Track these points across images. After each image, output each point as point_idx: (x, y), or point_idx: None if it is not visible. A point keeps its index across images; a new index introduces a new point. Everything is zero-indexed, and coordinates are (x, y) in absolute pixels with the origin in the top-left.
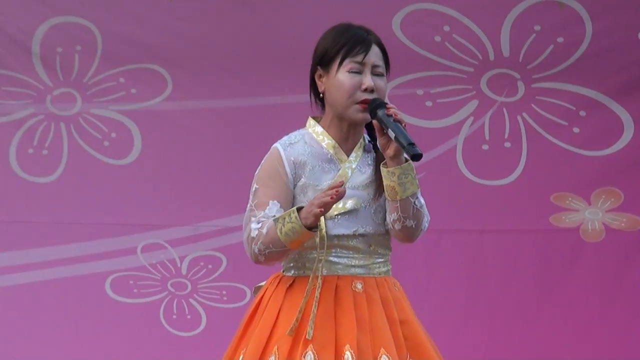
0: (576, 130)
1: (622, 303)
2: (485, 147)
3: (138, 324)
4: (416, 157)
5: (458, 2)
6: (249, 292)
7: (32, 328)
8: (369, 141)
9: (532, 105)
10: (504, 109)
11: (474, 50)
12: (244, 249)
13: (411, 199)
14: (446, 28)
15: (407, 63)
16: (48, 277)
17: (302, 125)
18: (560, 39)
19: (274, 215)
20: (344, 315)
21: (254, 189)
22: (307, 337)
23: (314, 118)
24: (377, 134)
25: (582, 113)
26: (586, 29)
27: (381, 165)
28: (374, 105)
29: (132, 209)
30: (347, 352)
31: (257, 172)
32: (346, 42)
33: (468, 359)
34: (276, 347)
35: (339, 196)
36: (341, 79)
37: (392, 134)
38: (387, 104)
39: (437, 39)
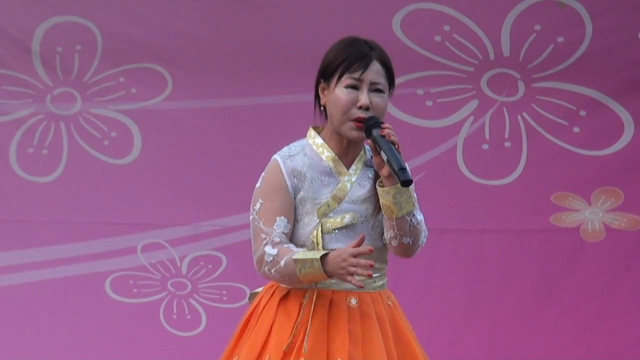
0: (576, 130)
1: (622, 303)
2: (485, 146)
3: (138, 323)
4: (406, 183)
5: (458, 2)
6: (248, 292)
7: (31, 328)
8: (371, 156)
9: (532, 105)
10: (504, 109)
11: (474, 50)
12: (244, 248)
13: (407, 217)
14: (446, 28)
15: (407, 63)
16: (48, 277)
17: (302, 124)
18: (560, 39)
19: (282, 232)
20: (337, 330)
21: (259, 204)
22: (303, 352)
23: (314, 128)
24: (372, 153)
25: (583, 113)
26: (586, 29)
27: (377, 183)
28: (369, 125)
29: (132, 209)
30: None
31: (258, 185)
32: (346, 57)
33: (468, 358)
34: (267, 357)
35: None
36: (338, 94)
37: (384, 156)
38: (382, 123)
39: (437, 38)
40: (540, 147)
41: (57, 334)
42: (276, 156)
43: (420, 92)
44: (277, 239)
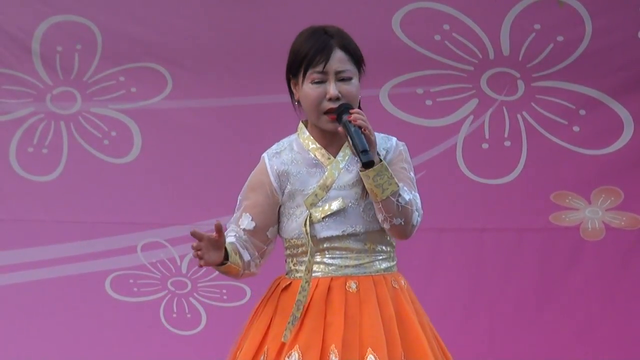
0: (576, 129)
1: (622, 302)
2: (485, 145)
3: (138, 322)
4: (366, 164)
5: (458, 1)
6: (249, 291)
7: (32, 327)
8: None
9: (532, 104)
10: (504, 108)
11: (473, 49)
12: None
13: (392, 198)
14: (446, 27)
15: (407, 62)
16: (48, 276)
17: None
18: (560, 38)
19: (243, 229)
20: (333, 316)
21: (238, 202)
22: (282, 339)
23: (304, 122)
24: (345, 139)
25: (582, 112)
26: (586, 28)
27: (359, 169)
28: (339, 111)
29: (132, 208)
30: (332, 353)
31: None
32: (307, 52)
33: (468, 358)
34: (266, 348)
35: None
36: (306, 90)
37: (350, 141)
38: (351, 108)
39: (437, 37)
40: (539, 146)
41: (57, 333)
42: (264, 154)
43: (419, 91)
44: (231, 234)
